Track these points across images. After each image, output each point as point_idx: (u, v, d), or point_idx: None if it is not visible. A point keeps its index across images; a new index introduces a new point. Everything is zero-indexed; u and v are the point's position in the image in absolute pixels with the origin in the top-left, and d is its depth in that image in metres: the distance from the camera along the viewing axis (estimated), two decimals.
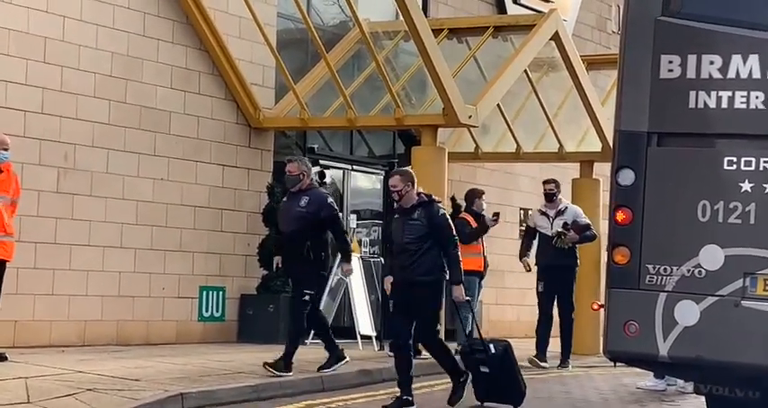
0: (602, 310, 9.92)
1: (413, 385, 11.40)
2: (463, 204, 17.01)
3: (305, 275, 12.94)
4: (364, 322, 16.62)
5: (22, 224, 13.95)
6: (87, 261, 15.13)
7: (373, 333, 16.65)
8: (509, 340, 12.56)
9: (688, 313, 9.34)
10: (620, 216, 9.65)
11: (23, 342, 14.09)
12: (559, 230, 15.98)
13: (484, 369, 11.88)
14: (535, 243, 16.56)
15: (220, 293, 16.91)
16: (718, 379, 9.88)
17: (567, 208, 16.28)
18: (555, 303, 16.38)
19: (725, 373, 9.51)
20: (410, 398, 11.27)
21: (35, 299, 14.49)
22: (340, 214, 13.55)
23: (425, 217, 11.25)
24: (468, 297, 16.48)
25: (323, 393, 12.35)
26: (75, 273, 15.00)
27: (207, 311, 16.71)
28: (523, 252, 16.55)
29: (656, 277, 9.46)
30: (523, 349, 15.52)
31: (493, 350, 11.91)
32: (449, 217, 11.52)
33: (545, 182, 16.47)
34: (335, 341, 13.44)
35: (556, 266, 16.04)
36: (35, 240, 14.43)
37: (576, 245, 16.28)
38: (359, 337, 16.46)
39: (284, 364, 12.60)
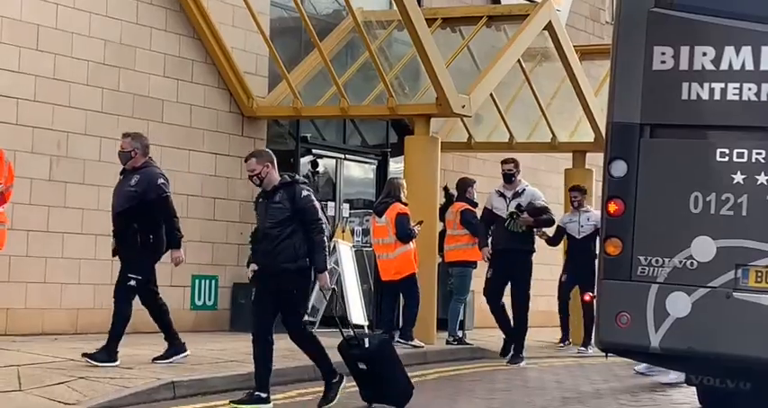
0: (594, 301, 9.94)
1: None
2: (455, 194, 17.06)
3: (132, 259, 12.24)
4: (356, 311, 16.60)
5: (15, 212, 13.94)
6: (80, 249, 15.12)
7: (365, 323, 16.64)
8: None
9: (680, 304, 9.37)
10: (612, 207, 9.67)
11: (16, 330, 14.09)
12: (512, 211, 14.98)
13: (362, 366, 10.96)
14: None
15: (213, 282, 16.91)
16: (710, 370, 9.92)
17: (524, 189, 15.19)
18: (508, 291, 15.50)
19: (716, 364, 9.55)
20: (263, 395, 10.48)
21: (27, 287, 14.48)
22: (170, 196, 12.41)
23: (287, 199, 10.44)
24: (460, 292, 16.81)
25: (314, 381, 12.32)
26: (67, 261, 14.99)
27: (199, 300, 16.72)
28: (483, 241, 15.50)
29: (647, 268, 9.48)
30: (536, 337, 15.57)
31: (367, 345, 10.99)
32: (314, 198, 10.61)
33: (503, 162, 15.48)
34: (177, 332, 12.58)
35: (509, 250, 15.06)
36: (27, 228, 14.42)
37: (535, 230, 15.47)
38: (351, 327, 16.43)
39: (107, 353, 11.74)
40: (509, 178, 15.24)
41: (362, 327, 16.47)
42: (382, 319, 16.15)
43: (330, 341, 14.04)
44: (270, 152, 11.05)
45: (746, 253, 9.22)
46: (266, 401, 10.48)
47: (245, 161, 10.86)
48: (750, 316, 9.18)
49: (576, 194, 17.52)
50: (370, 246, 18.53)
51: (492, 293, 15.49)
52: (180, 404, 10.36)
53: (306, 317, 14.29)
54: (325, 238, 10.55)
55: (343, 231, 17.62)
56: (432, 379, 13.42)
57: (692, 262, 9.38)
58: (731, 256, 9.26)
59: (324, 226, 10.61)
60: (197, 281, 16.69)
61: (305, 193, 10.57)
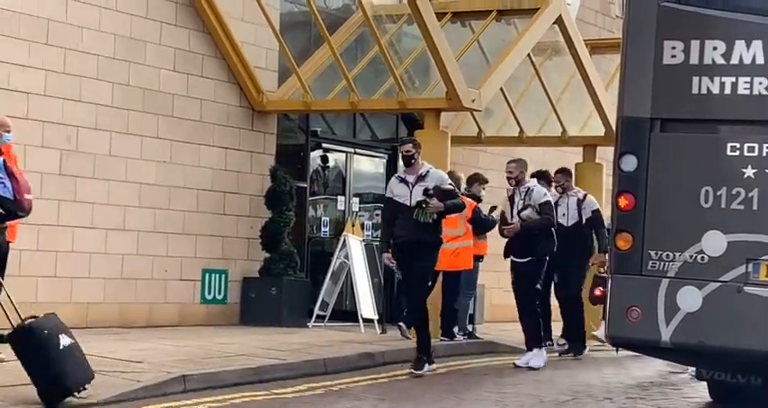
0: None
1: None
2: (463, 184, 16.98)
3: None
4: (366, 305, 16.65)
5: None
6: (90, 243, 15.14)
7: (375, 317, 16.69)
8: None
9: (690, 299, 9.36)
10: (622, 202, 9.67)
11: None
12: (419, 199, 12.88)
13: None
14: None
15: (223, 276, 16.92)
16: (720, 365, 9.92)
17: (428, 172, 13.10)
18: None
19: (727, 359, 9.54)
20: None
21: (38, 282, 14.50)
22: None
23: None
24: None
25: (325, 375, 12.37)
26: (77, 256, 15.01)
27: (209, 294, 16.73)
28: (387, 235, 13.40)
29: (658, 263, 9.48)
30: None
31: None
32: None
33: (401, 144, 13.57)
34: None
35: (414, 243, 12.91)
36: (38, 222, 14.41)
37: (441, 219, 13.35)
38: (361, 320, 16.49)
39: None
40: (408, 160, 13.18)
41: (372, 321, 16.53)
42: (445, 311, 15.99)
43: (338, 334, 14.08)
44: None
45: (757, 248, 9.22)
46: None
47: None
48: (761, 311, 9.17)
49: (558, 177, 16.44)
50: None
51: (400, 290, 14.60)
52: (190, 398, 10.37)
53: (316, 311, 14.30)
54: None
55: (353, 225, 17.63)
56: (441, 373, 13.42)
57: (702, 257, 9.38)
58: (742, 250, 9.25)
59: None
60: (207, 275, 16.70)
61: None
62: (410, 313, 13.30)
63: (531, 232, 14.15)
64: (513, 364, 14.17)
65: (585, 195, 16.17)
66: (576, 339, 16.10)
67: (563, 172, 16.39)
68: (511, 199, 14.38)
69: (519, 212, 14.20)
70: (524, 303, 14.43)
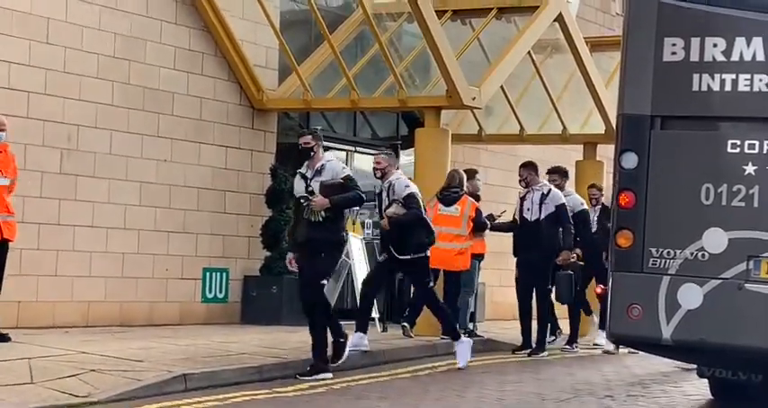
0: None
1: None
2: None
3: None
4: None
5: (26, 205, 13.97)
6: (91, 242, 15.14)
7: (376, 315, 16.66)
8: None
9: (691, 296, 9.35)
10: (623, 199, 9.65)
11: (27, 323, 14.11)
12: (302, 194, 12.16)
13: None
14: None
15: (224, 274, 16.92)
16: (721, 362, 9.91)
17: (324, 165, 12.15)
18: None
19: (728, 356, 9.53)
20: None
21: (38, 280, 14.50)
22: None
23: None
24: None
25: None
26: (78, 254, 15.01)
27: (210, 292, 16.73)
28: (292, 234, 12.71)
29: (659, 260, 9.47)
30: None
31: None
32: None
33: (299, 135, 12.59)
34: None
35: (306, 242, 12.09)
36: (38, 221, 14.44)
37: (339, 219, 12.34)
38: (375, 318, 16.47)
39: None
40: (307, 153, 12.23)
41: (373, 319, 16.51)
42: (415, 307, 15.91)
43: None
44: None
45: (758, 245, 9.20)
46: None
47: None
48: (762, 308, 9.16)
49: (553, 177, 16.21)
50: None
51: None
52: (191, 397, 10.36)
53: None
54: None
55: (354, 224, 17.62)
56: (442, 371, 13.41)
57: (703, 254, 9.36)
58: (743, 248, 9.24)
59: None
60: (208, 274, 16.70)
61: None
62: (309, 312, 12.19)
63: (403, 227, 13.41)
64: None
65: (550, 189, 15.51)
66: (539, 338, 15.52)
67: (527, 166, 15.74)
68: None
69: (385, 209, 13.54)
70: (426, 297, 14.01)
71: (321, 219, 11.94)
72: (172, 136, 16.20)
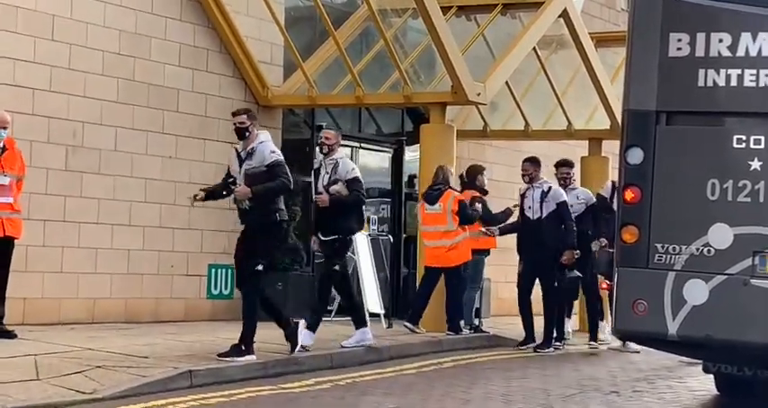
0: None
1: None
2: (454, 180, 16.95)
3: None
4: (372, 300, 16.63)
5: (31, 201, 13.97)
6: (96, 238, 15.14)
7: (382, 311, 16.67)
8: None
9: (697, 292, 9.34)
10: (628, 195, 9.64)
11: (33, 320, 14.12)
12: (228, 181, 12.08)
13: None
14: None
15: (229, 271, 16.89)
16: (727, 358, 9.90)
17: (255, 148, 11.90)
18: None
19: (734, 352, 9.52)
20: None
21: (44, 277, 14.52)
22: None
23: None
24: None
25: (331, 370, 12.38)
26: (83, 251, 15.02)
27: (215, 289, 16.73)
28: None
29: (664, 256, 9.46)
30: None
31: None
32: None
33: (234, 114, 12.18)
34: None
35: (245, 226, 12.11)
36: (44, 218, 14.45)
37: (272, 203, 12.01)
38: (367, 315, 16.45)
39: None
40: (242, 133, 11.97)
41: (378, 315, 16.52)
42: (414, 306, 15.98)
43: (344, 329, 14.08)
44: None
45: (764, 240, 9.19)
46: None
47: None
48: (767, 303, 9.15)
49: (566, 170, 15.99)
50: (386, 234, 18.55)
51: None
52: (197, 393, 10.36)
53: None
54: None
55: None
56: (448, 367, 13.42)
57: (709, 250, 9.35)
58: (748, 243, 9.23)
59: None
60: (213, 270, 16.70)
61: None
62: (245, 299, 12.04)
63: (339, 209, 13.02)
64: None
65: (551, 187, 15.32)
66: (546, 334, 15.43)
67: (532, 161, 15.51)
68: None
69: (326, 185, 13.06)
70: (324, 279, 13.63)
71: (248, 207, 11.84)
72: (176, 132, 16.20)
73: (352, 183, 13.09)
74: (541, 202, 15.22)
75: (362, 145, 19.37)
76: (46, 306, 14.56)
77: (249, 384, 10.99)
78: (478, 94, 16.64)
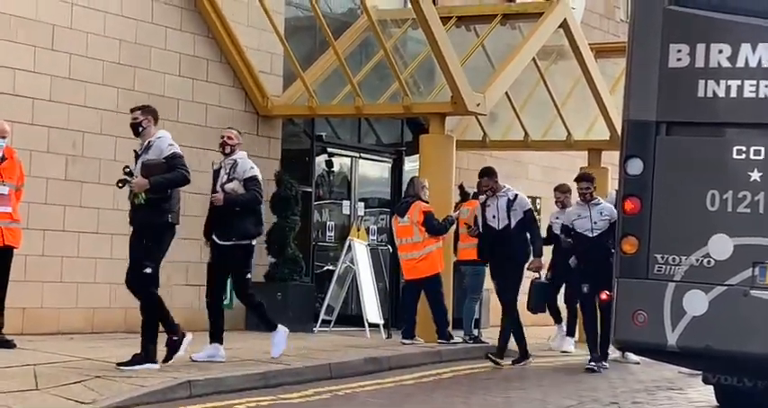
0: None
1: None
2: (471, 192, 17.00)
3: None
4: (372, 309, 16.65)
5: (30, 211, 13.97)
6: (95, 248, 15.13)
7: (381, 321, 16.68)
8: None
9: (697, 302, 9.34)
10: (628, 205, 9.65)
11: (32, 330, 14.11)
12: (120, 178, 11.57)
13: None
14: None
15: (228, 281, 16.86)
16: (727, 369, 9.90)
17: (151, 142, 11.58)
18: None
19: (734, 363, 9.52)
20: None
21: (43, 287, 14.50)
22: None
23: None
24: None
25: (330, 380, 12.37)
26: (83, 260, 15.01)
27: None
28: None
29: (664, 266, 9.46)
30: (532, 336, 15.55)
31: None
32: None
33: (131, 110, 11.82)
34: None
35: (133, 226, 11.67)
36: (43, 227, 14.45)
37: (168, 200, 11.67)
38: (366, 325, 16.47)
39: None
40: (135, 129, 11.67)
41: (378, 326, 16.52)
42: (404, 318, 16.00)
43: (344, 339, 14.07)
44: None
45: (764, 251, 9.20)
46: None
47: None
48: (767, 314, 9.15)
49: (586, 185, 15.14)
50: (386, 245, 18.54)
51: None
52: (196, 403, 10.36)
53: (322, 316, 14.19)
54: None
55: (359, 229, 17.62)
56: (447, 378, 13.41)
57: (708, 261, 9.36)
58: (748, 254, 9.23)
59: None
60: None
61: None
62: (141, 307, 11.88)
63: (233, 210, 12.51)
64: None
65: (516, 195, 15.00)
66: (501, 347, 15.04)
67: (489, 174, 15.06)
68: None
69: (222, 185, 12.61)
70: (237, 287, 13.17)
71: (143, 201, 11.34)
72: (177, 142, 16.12)
73: (249, 182, 12.57)
74: (508, 210, 14.89)
75: (362, 155, 19.40)
76: (45, 316, 14.55)
77: (248, 394, 10.99)
78: (478, 105, 16.65)
